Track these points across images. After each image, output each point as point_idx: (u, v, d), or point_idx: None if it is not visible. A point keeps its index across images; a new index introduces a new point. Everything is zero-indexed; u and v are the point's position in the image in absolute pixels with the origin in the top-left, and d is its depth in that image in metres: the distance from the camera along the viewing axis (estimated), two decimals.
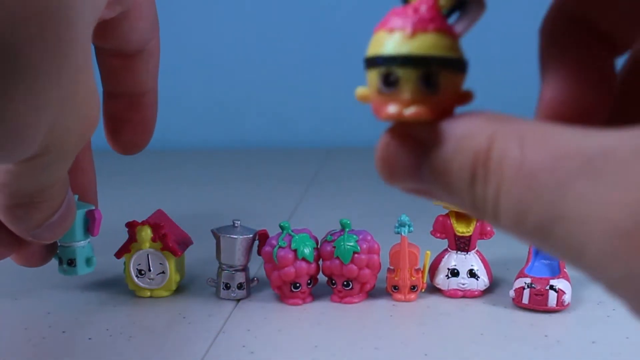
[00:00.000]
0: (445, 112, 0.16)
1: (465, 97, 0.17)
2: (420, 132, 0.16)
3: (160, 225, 0.33)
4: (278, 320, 0.31)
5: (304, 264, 0.32)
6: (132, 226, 0.33)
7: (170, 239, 0.34)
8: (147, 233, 0.33)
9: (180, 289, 0.36)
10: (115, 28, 0.29)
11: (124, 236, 0.34)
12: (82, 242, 0.32)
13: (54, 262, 0.31)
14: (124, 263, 0.34)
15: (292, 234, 0.33)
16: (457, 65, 0.17)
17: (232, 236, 0.33)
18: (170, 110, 0.96)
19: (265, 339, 0.29)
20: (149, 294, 0.34)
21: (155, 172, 0.77)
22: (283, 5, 0.91)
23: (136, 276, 0.34)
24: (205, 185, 0.68)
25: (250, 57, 0.93)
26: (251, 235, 0.33)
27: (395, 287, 0.33)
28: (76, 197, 0.32)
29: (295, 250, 0.32)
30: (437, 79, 0.16)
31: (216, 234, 0.33)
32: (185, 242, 0.36)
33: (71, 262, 0.32)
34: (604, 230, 0.13)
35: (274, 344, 0.29)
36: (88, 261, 0.33)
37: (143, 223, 0.33)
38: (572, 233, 0.14)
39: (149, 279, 0.34)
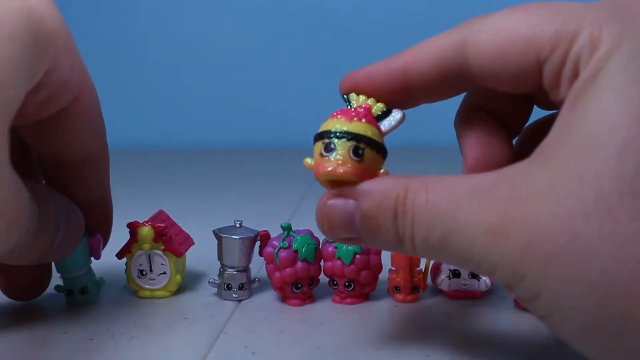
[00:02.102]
0: (367, 178, 0.23)
1: (383, 175, 0.23)
2: (350, 192, 0.23)
3: (161, 226, 0.33)
4: (280, 321, 0.31)
5: (305, 265, 0.32)
6: (133, 226, 0.33)
7: (171, 239, 0.34)
8: (148, 233, 0.33)
9: (181, 290, 0.36)
10: (51, 130, 0.27)
11: (125, 236, 0.34)
12: (87, 268, 0.33)
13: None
14: (125, 263, 0.34)
15: (294, 234, 0.33)
16: (379, 147, 0.23)
17: (233, 237, 0.33)
18: (171, 110, 0.96)
19: (267, 339, 0.29)
20: (150, 294, 0.34)
21: (156, 172, 0.77)
22: (284, 5, 0.91)
23: (137, 277, 0.34)
24: (206, 185, 0.68)
25: (251, 56, 0.93)
26: (253, 236, 0.33)
27: (397, 288, 0.33)
28: None
29: (296, 251, 0.32)
30: (363, 151, 0.23)
31: (218, 234, 0.33)
32: (186, 243, 0.36)
33: (84, 290, 0.33)
34: (482, 231, 0.19)
35: (276, 344, 0.29)
36: (99, 283, 0.33)
37: (144, 223, 0.33)
38: (463, 239, 0.20)
39: (150, 279, 0.34)
